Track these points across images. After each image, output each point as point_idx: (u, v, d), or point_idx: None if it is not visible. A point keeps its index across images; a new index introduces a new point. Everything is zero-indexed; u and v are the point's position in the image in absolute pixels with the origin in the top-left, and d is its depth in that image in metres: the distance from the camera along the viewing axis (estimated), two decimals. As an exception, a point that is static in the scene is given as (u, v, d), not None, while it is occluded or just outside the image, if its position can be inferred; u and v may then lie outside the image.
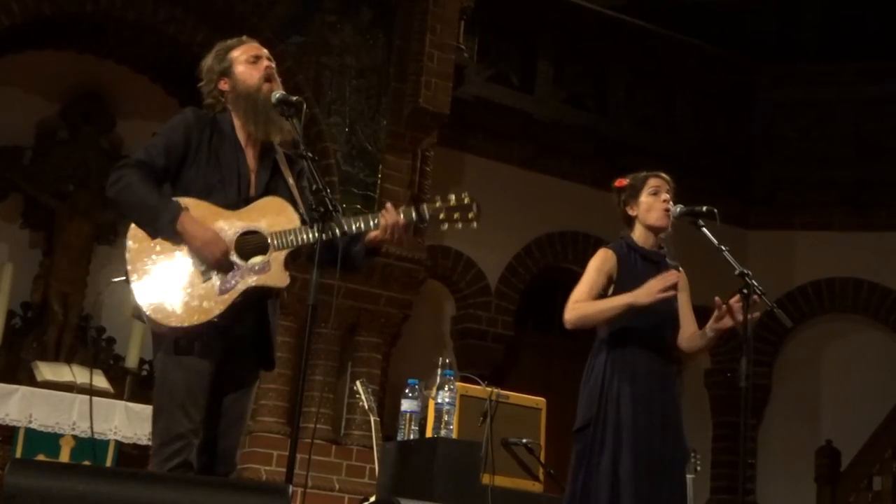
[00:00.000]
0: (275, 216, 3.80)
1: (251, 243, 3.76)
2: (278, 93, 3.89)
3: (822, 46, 10.49)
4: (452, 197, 3.92)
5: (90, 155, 7.71)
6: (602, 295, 4.47)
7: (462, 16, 8.16)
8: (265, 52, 4.03)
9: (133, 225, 3.77)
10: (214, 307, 3.67)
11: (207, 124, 3.91)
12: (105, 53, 7.86)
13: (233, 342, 3.79)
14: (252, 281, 3.72)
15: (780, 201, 10.07)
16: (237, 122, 3.94)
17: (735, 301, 4.28)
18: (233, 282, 3.71)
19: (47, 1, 7.09)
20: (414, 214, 3.86)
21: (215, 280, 3.71)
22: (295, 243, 3.74)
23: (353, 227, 3.77)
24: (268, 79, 3.92)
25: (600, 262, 4.50)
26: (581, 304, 4.45)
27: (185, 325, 3.66)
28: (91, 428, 6.36)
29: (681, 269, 4.62)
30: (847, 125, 10.02)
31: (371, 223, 3.83)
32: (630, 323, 4.38)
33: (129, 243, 3.75)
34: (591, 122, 9.55)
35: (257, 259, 3.75)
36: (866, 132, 9.97)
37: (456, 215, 3.93)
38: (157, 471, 3.63)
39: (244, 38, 4.09)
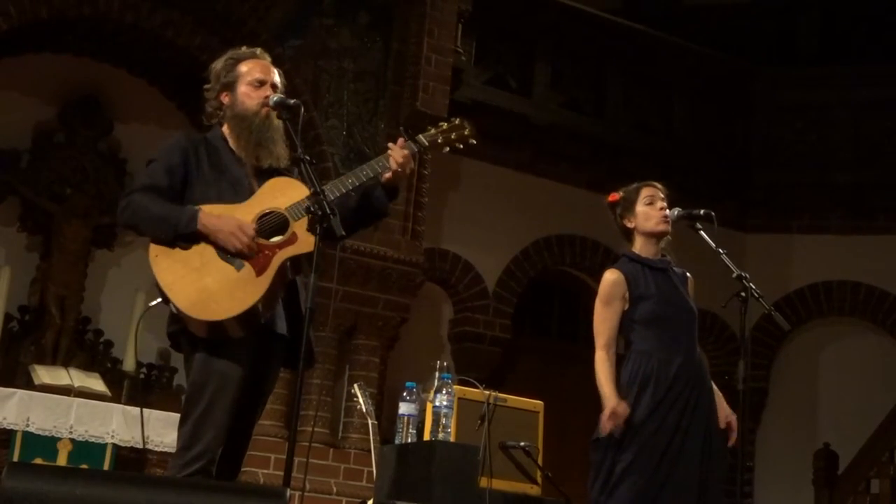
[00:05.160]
0: (285, 192, 3.85)
1: (270, 223, 3.80)
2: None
3: (820, 50, 10.50)
4: (444, 123, 4.09)
5: (88, 158, 7.70)
6: (621, 318, 4.47)
7: (459, 19, 8.16)
8: (272, 76, 4.01)
9: (152, 245, 3.79)
10: (257, 289, 3.70)
11: (201, 143, 3.96)
12: (102, 57, 7.85)
13: (268, 343, 3.82)
14: (283, 255, 3.76)
15: (777, 204, 10.07)
16: (231, 138, 3.97)
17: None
18: (265, 262, 3.74)
19: (45, 4, 7.09)
20: (413, 146, 4.01)
21: (248, 267, 3.74)
22: (312, 209, 3.75)
23: (363, 177, 3.91)
24: (266, 104, 3.94)
25: (609, 290, 4.49)
26: (602, 360, 4.42)
27: (237, 312, 3.67)
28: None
29: (689, 275, 4.62)
30: (844, 128, 10.02)
31: (378, 167, 3.95)
32: (658, 329, 4.37)
33: (153, 262, 3.77)
34: (589, 126, 9.54)
35: (280, 236, 3.79)
36: (863, 135, 9.97)
37: (453, 136, 4.11)
38: (174, 474, 3.65)
39: (258, 51, 4.09)
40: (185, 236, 3.74)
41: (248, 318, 3.70)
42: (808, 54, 10.52)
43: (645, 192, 4.58)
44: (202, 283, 3.71)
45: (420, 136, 4.06)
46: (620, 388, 4.38)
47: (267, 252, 3.75)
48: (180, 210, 3.76)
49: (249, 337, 3.74)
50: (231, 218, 3.75)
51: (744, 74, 10.29)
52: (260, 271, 3.72)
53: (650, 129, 9.88)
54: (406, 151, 3.96)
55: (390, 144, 4.01)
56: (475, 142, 4.13)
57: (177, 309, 3.71)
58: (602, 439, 4.37)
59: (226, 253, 3.74)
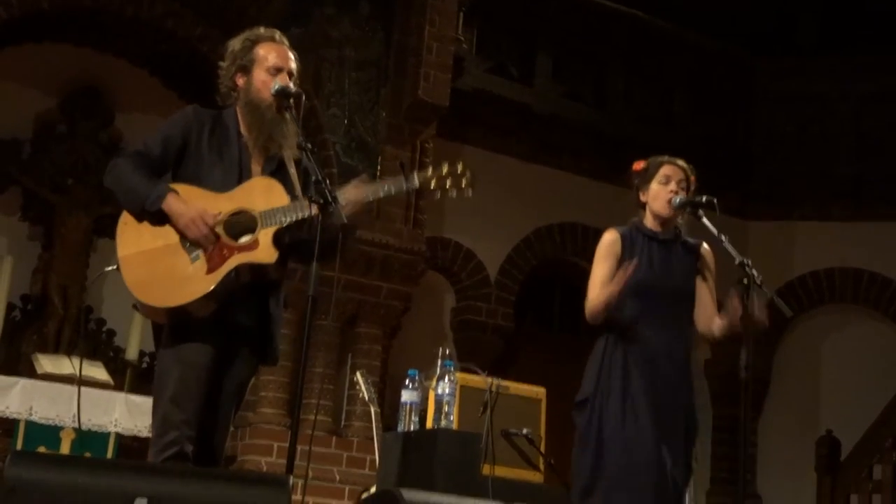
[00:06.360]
0: (264, 196, 3.78)
1: (240, 223, 3.75)
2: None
3: (821, 41, 10.48)
4: (445, 165, 3.92)
5: (89, 149, 7.71)
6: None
7: (461, 7, 8.14)
8: (289, 64, 3.93)
9: (124, 213, 3.81)
10: (201, 287, 3.67)
11: (209, 120, 3.91)
12: (103, 47, 7.85)
13: (233, 334, 3.80)
14: (239, 258, 3.71)
15: (778, 196, 10.05)
16: (242, 122, 3.93)
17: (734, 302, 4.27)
18: (220, 261, 3.70)
19: (46, -6, 7.09)
20: (404, 183, 3.88)
21: (203, 260, 3.70)
22: (283, 221, 3.73)
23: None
24: None
25: (606, 247, 4.49)
26: (589, 300, 4.40)
27: (171, 305, 3.67)
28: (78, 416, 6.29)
29: (705, 245, 4.59)
30: (845, 119, 10.00)
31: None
32: (641, 300, 4.37)
33: (119, 230, 3.81)
34: (590, 116, 9.52)
35: (246, 238, 3.74)
36: (865, 126, 9.95)
37: (448, 183, 3.91)
38: (155, 461, 3.65)
39: (277, 34, 3.99)
40: (153, 214, 3.72)
41: (187, 310, 3.67)
42: (810, 45, 10.50)
43: (664, 170, 4.55)
44: (154, 265, 3.71)
45: (415, 174, 3.93)
46: (600, 353, 4.40)
47: (225, 252, 3.71)
48: (152, 186, 3.73)
49: (212, 324, 3.71)
50: (195, 208, 3.70)
51: (746, 65, 10.27)
52: (211, 270, 3.68)
53: (652, 120, 9.85)
54: (360, 196, 3.80)
55: (355, 181, 3.88)
56: (470, 194, 3.93)
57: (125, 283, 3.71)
58: (589, 402, 4.36)
59: (186, 241, 3.72)
